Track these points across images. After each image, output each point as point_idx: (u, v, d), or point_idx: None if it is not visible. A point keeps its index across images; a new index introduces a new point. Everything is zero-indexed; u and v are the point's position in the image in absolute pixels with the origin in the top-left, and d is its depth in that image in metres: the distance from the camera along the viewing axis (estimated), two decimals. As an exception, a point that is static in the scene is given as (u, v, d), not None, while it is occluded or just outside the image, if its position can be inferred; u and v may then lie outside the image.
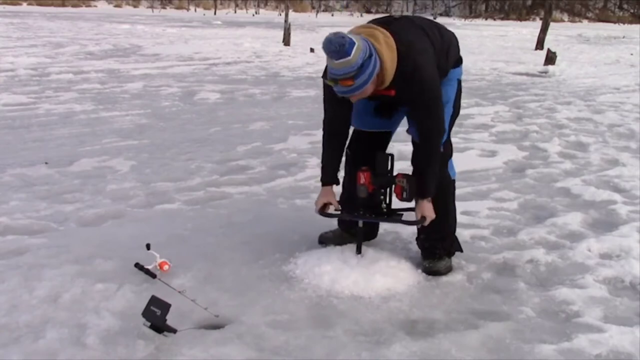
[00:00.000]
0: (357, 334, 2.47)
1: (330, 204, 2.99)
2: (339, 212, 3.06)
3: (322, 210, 2.98)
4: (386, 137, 3.16)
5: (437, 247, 3.06)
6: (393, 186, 2.95)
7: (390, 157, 2.98)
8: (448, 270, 3.06)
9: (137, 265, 2.86)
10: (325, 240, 3.26)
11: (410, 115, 2.89)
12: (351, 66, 2.50)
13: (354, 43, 2.49)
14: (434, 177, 2.86)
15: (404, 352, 2.35)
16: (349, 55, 2.48)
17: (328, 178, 3.01)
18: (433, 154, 2.85)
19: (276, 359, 2.30)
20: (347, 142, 3.09)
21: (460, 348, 2.39)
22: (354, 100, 2.70)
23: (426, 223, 2.87)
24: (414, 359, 2.32)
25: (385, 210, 3.00)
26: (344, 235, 3.23)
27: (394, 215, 3.01)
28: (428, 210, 2.87)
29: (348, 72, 2.51)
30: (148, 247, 2.88)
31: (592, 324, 2.60)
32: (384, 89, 2.71)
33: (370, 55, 2.55)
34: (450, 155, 3.08)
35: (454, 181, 3.10)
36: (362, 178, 2.88)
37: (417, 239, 3.17)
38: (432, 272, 3.02)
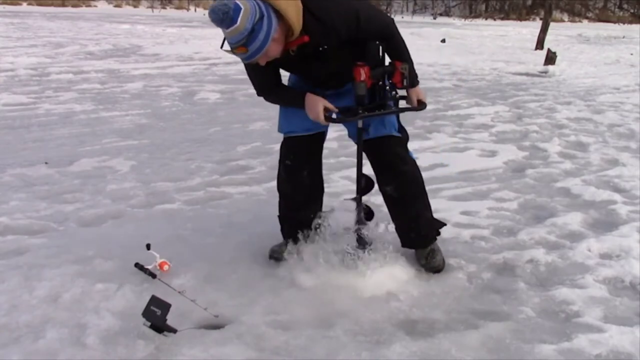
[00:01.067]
0: (357, 334, 2.47)
1: (328, 107, 2.73)
2: (343, 116, 2.81)
3: (325, 116, 2.72)
4: (321, 140, 3.08)
5: (427, 232, 3.10)
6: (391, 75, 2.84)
7: (380, 46, 2.85)
8: (443, 264, 3.09)
9: (137, 265, 2.86)
10: (275, 253, 3.16)
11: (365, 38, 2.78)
12: (240, 33, 2.39)
13: (240, 8, 2.38)
14: (412, 65, 2.88)
15: (404, 352, 2.35)
16: (236, 22, 2.37)
17: (302, 90, 2.81)
18: (402, 43, 2.84)
19: (276, 359, 2.30)
20: (280, 155, 3.05)
21: (460, 348, 2.39)
22: (263, 63, 2.58)
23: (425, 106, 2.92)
24: (414, 359, 2.33)
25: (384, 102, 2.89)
26: (290, 245, 3.14)
27: (395, 107, 2.93)
28: (422, 94, 2.93)
29: (239, 40, 2.41)
30: (148, 247, 2.88)
31: (592, 324, 2.60)
32: (295, 39, 2.57)
33: (262, 17, 2.42)
34: (408, 140, 3.08)
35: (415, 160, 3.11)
36: (362, 74, 2.71)
37: (400, 234, 3.13)
38: (431, 269, 3.04)
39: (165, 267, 2.87)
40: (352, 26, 2.63)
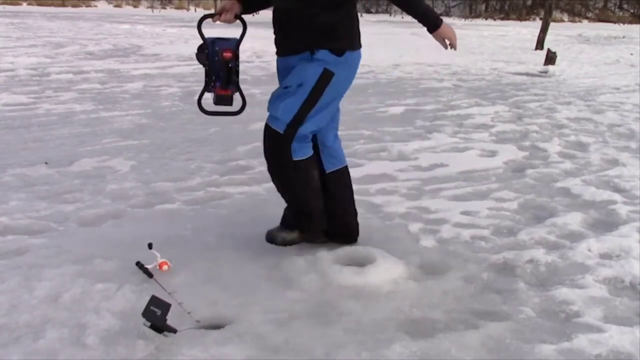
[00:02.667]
0: (357, 334, 2.47)
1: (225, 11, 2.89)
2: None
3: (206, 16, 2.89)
4: None
5: (290, 218, 3.24)
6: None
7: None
8: (284, 242, 3.22)
9: (137, 263, 2.87)
10: (269, 236, 3.33)
11: None
12: None
13: None
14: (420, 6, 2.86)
15: (404, 352, 2.35)
16: None
17: None
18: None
19: (276, 358, 2.30)
20: None
21: (460, 348, 2.39)
22: None
23: (451, 47, 2.86)
24: (414, 359, 2.32)
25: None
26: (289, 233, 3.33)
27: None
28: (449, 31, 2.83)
29: None
30: (150, 246, 2.88)
31: (592, 324, 2.60)
32: None
33: None
34: (292, 139, 2.99)
35: (296, 162, 3.03)
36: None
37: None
38: (269, 239, 3.24)
39: (165, 267, 2.88)
40: None
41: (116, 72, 10.50)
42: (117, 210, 3.83)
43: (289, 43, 2.98)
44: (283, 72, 3.08)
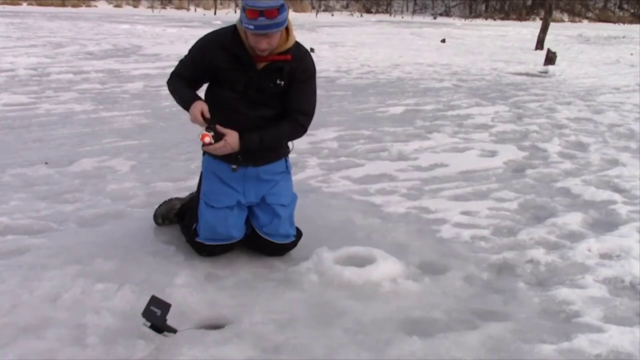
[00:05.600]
0: (357, 334, 2.47)
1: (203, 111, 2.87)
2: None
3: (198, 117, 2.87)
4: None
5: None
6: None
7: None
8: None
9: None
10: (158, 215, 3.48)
11: (292, 96, 2.96)
12: (277, 0, 2.70)
13: None
14: (272, 141, 2.98)
15: (404, 352, 2.35)
16: None
17: (192, 98, 2.96)
18: (292, 132, 3.02)
19: (276, 358, 2.30)
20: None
21: (460, 348, 2.39)
22: (263, 47, 2.76)
23: (220, 145, 2.83)
24: (414, 359, 2.33)
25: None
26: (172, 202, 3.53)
27: None
28: (233, 137, 2.84)
29: (273, 6, 2.68)
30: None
31: (592, 324, 2.60)
32: (283, 51, 2.87)
33: (286, 7, 2.76)
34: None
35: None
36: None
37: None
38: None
39: (206, 139, 2.81)
40: (305, 78, 2.95)
41: (116, 72, 10.49)
42: (117, 210, 3.83)
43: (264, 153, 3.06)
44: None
